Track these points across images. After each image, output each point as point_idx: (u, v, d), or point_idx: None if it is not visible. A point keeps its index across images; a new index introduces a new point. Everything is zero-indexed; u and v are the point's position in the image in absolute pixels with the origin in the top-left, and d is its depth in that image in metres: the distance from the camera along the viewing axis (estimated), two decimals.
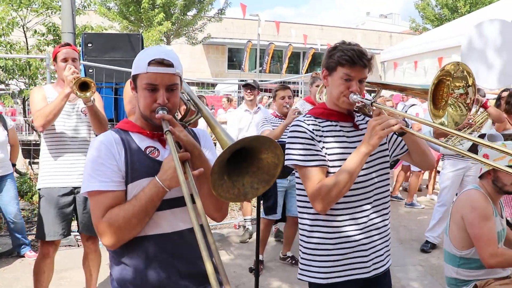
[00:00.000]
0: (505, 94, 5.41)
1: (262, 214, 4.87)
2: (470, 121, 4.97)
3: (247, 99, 5.93)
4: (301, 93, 10.05)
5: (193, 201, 1.54)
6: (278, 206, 4.80)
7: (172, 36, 20.41)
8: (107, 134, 1.82)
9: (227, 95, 14.50)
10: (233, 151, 1.52)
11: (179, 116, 2.01)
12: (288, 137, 2.17)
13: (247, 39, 25.38)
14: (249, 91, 5.86)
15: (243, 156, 1.61)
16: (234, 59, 29.29)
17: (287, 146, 2.15)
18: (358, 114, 2.28)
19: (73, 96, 3.44)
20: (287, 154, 2.13)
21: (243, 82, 6.16)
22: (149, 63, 1.74)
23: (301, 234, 2.26)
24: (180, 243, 1.77)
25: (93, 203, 1.74)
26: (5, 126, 5.05)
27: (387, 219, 2.26)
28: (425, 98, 1.93)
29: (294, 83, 11.47)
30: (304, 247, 2.22)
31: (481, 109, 5.04)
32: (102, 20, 15.62)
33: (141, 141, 1.82)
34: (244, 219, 6.06)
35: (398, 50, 12.72)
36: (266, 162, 1.62)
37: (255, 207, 7.00)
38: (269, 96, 11.90)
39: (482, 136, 4.69)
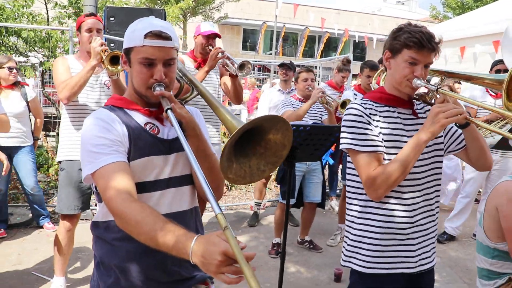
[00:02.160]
0: None
1: (279, 198, 4.85)
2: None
3: (282, 79, 5.89)
4: (318, 78, 9.95)
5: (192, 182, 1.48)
6: (295, 191, 4.75)
7: (189, 14, 20.26)
8: (103, 111, 1.70)
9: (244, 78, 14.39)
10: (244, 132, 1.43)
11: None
12: (344, 120, 2.08)
13: (263, 20, 25.14)
14: (284, 71, 5.81)
15: (250, 137, 1.52)
16: (249, 40, 29.06)
17: (342, 129, 2.07)
18: (418, 102, 2.18)
19: (97, 68, 3.39)
20: (342, 137, 2.07)
21: (258, 63, 6.09)
22: (146, 36, 1.62)
23: (349, 220, 2.19)
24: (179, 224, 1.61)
25: (101, 182, 1.55)
26: (24, 97, 4.99)
27: (436, 214, 2.19)
28: (498, 89, 1.84)
29: (310, 66, 11.35)
30: (352, 234, 2.16)
31: None
32: None
33: (139, 118, 1.72)
34: (255, 203, 6.03)
35: None
36: (274, 143, 1.54)
37: (270, 189, 7.01)
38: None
39: None
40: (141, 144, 1.65)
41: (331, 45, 27.18)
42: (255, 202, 6.02)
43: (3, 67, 4.72)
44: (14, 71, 4.78)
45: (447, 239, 5.52)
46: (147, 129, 1.70)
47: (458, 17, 14.87)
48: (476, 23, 9.86)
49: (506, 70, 5.09)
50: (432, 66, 2.07)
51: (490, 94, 5.04)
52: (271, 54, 18.54)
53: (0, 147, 4.64)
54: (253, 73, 17.02)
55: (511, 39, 5.37)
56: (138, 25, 1.67)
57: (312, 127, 2.99)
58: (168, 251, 1.38)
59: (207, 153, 1.72)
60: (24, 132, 4.95)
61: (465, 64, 8.79)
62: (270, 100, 5.88)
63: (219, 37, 4.14)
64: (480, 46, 8.63)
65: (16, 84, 4.91)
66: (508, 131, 4.03)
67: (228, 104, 11.50)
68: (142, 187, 1.65)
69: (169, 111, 1.59)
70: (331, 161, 5.89)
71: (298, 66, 7.14)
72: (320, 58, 21.59)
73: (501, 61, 5.26)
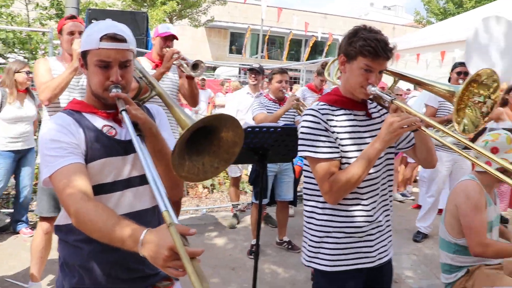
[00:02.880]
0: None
1: (253, 199, 4.91)
2: None
3: (251, 83, 5.93)
4: (302, 81, 10.04)
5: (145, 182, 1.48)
6: (267, 191, 4.82)
7: (175, 17, 20.25)
8: (60, 115, 1.72)
9: (227, 79, 14.46)
10: (194, 131, 1.46)
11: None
12: (301, 126, 2.11)
13: (249, 24, 25.24)
14: (253, 75, 5.87)
15: (203, 135, 1.54)
16: (235, 43, 29.14)
17: (299, 136, 2.10)
18: (371, 102, 2.22)
19: (79, 70, 3.41)
20: (300, 145, 2.10)
21: (244, 66, 6.14)
22: (101, 38, 1.64)
23: (307, 222, 2.24)
24: (138, 223, 1.60)
25: (58, 183, 1.57)
26: (35, 101, 5.02)
27: (390, 208, 2.27)
28: (449, 100, 1.91)
29: (295, 70, 11.45)
30: (312, 235, 2.21)
31: None
32: None
33: (96, 121, 1.74)
34: (233, 205, 6.08)
35: (401, 42, 12.68)
36: (226, 141, 1.56)
37: (245, 192, 7.06)
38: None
39: (483, 130, 4.71)
40: (98, 146, 1.68)
41: (317, 49, 27.37)
42: (232, 204, 6.07)
43: (20, 72, 4.74)
44: (30, 75, 4.80)
45: (422, 237, 5.63)
46: (104, 131, 1.72)
47: (440, 23, 15.12)
48: (457, 28, 10.04)
49: (466, 73, 5.24)
50: (412, 70, 2.14)
51: None
52: (257, 57, 18.63)
53: (14, 151, 4.78)
54: (239, 76, 17.12)
55: (479, 42, 5.51)
56: (94, 28, 1.71)
57: (283, 129, 3.03)
58: (121, 246, 1.42)
59: (164, 152, 1.73)
60: (30, 134, 5.04)
61: (445, 68, 8.93)
62: (239, 102, 5.96)
63: (177, 38, 4.12)
64: (459, 51, 8.78)
65: (27, 88, 4.95)
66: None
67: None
68: (101, 189, 1.69)
69: (123, 112, 1.62)
70: None
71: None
72: (306, 61, 21.70)
73: (462, 64, 5.41)
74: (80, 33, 3.49)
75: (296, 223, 5.93)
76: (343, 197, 2.06)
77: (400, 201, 7.57)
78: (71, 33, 3.46)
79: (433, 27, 13.87)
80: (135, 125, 1.64)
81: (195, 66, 3.78)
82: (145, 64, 4.10)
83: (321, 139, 2.04)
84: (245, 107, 5.81)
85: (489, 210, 2.92)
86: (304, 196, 2.26)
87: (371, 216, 2.13)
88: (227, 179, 7.44)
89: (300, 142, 2.09)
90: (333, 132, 2.06)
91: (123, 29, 1.71)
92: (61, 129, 1.65)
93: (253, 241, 4.94)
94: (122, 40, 1.67)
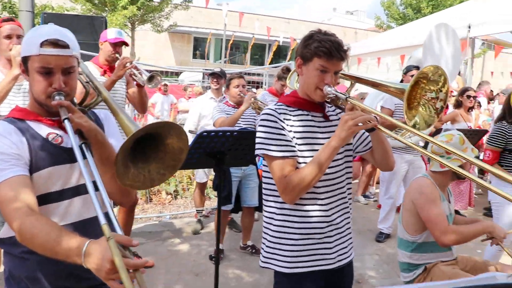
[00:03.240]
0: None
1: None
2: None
3: (213, 88, 5.90)
4: (265, 85, 10.08)
5: (97, 188, 1.46)
6: (232, 197, 4.79)
7: (137, 22, 20.03)
8: (1, 124, 1.65)
9: (191, 85, 14.39)
10: (138, 138, 1.44)
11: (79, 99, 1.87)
12: (259, 125, 2.12)
13: (213, 28, 25.21)
14: (215, 80, 5.84)
15: (148, 142, 1.53)
16: (199, 48, 29.04)
17: (257, 134, 2.11)
18: (330, 106, 2.25)
19: (21, 76, 3.29)
20: (257, 143, 2.10)
21: (208, 71, 6.12)
22: (42, 44, 1.58)
23: (266, 222, 2.24)
24: (84, 233, 1.53)
25: (0, 198, 1.51)
26: None
27: (350, 211, 2.29)
28: (400, 98, 1.94)
29: (258, 74, 11.48)
30: (270, 236, 2.20)
31: None
32: (64, 1, 15.13)
33: (40, 129, 1.68)
34: (196, 210, 6.02)
35: (362, 46, 12.92)
36: (171, 147, 1.55)
37: (209, 197, 7.03)
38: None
39: (439, 131, 4.84)
40: (43, 155, 1.63)
41: (281, 53, 27.56)
42: (196, 210, 6.02)
43: None
44: None
45: (385, 238, 5.73)
46: (50, 139, 1.68)
47: (400, 27, 15.47)
48: (415, 33, 10.28)
49: None
50: (373, 74, 2.17)
51: None
52: (221, 62, 18.62)
53: None
54: (203, 81, 17.06)
55: (433, 44, 5.68)
56: (35, 33, 1.66)
57: (239, 132, 3.03)
58: (66, 260, 1.39)
59: (112, 159, 1.66)
60: None
61: None
62: (202, 108, 5.91)
63: (127, 45, 4.08)
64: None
65: None
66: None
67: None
68: (49, 198, 1.64)
69: (66, 121, 1.56)
70: None
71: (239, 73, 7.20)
72: (269, 65, 21.82)
73: (416, 67, 5.56)
74: (19, 36, 3.34)
75: (261, 226, 5.90)
76: (299, 196, 2.05)
77: (364, 204, 7.68)
78: (8, 37, 3.29)
79: (393, 32, 14.19)
80: (80, 133, 1.60)
81: (151, 78, 3.76)
82: (92, 69, 3.98)
83: (277, 138, 2.05)
84: (209, 112, 5.76)
85: (443, 205, 3.00)
86: (264, 197, 2.26)
87: (329, 216, 2.14)
88: (190, 185, 7.38)
89: (257, 140, 2.10)
90: (289, 131, 2.08)
91: (66, 34, 1.66)
92: (1, 139, 1.59)
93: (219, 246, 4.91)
94: (64, 46, 1.62)
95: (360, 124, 1.90)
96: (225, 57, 22.77)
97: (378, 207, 7.26)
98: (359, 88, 8.11)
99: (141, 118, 11.11)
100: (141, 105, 4.16)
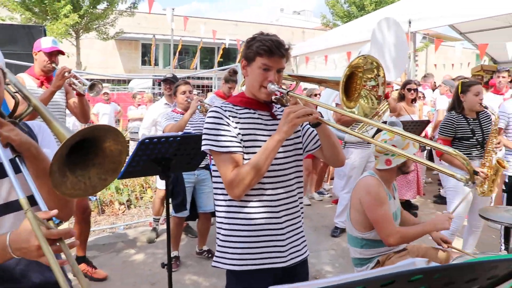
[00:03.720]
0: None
1: (172, 212, 4.82)
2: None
3: (167, 94, 5.86)
4: (215, 88, 10.05)
5: (35, 203, 1.41)
6: (187, 203, 4.76)
7: (81, 31, 19.53)
8: None
9: (141, 92, 14.18)
10: (72, 145, 1.39)
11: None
12: (206, 122, 2.15)
13: (161, 34, 24.94)
14: (168, 85, 5.81)
15: (85, 148, 1.48)
16: (148, 55, 28.64)
17: (203, 131, 2.14)
18: (278, 106, 2.30)
19: None
20: (203, 139, 2.12)
21: (158, 77, 6.04)
22: None
23: (218, 222, 2.25)
24: None
25: None
26: None
27: (301, 209, 2.30)
28: (337, 89, 1.97)
29: (208, 78, 11.43)
30: (221, 234, 2.22)
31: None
32: (1, 10, 14.54)
33: None
34: (154, 219, 5.93)
35: (309, 45, 13.13)
36: (109, 150, 1.51)
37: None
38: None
39: (384, 123, 4.96)
40: None
41: (230, 56, 27.59)
42: (153, 218, 5.93)
43: None
44: None
45: (340, 232, 5.81)
46: None
47: (345, 25, 15.80)
48: (360, 29, 10.54)
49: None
50: (321, 71, 2.21)
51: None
52: (170, 67, 18.44)
53: None
54: (153, 88, 16.84)
55: (377, 40, 5.82)
56: None
57: (182, 137, 2.99)
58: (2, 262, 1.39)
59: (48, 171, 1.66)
60: None
61: None
62: (157, 115, 5.84)
63: (63, 53, 4.01)
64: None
65: None
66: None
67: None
68: None
69: None
70: None
71: (185, 78, 7.15)
72: (217, 68, 21.78)
73: None
74: None
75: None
76: (246, 190, 2.05)
77: (318, 200, 7.79)
78: None
79: (339, 30, 14.48)
80: (12, 146, 1.52)
81: (92, 86, 3.69)
82: (28, 81, 3.89)
83: (223, 133, 2.08)
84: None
85: (389, 204, 3.05)
86: (214, 196, 2.27)
87: (277, 213, 2.16)
88: (144, 193, 7.26)
89: (203, 137, 2.13)
90: (235, 128, 2.10)
91: None
92: None
93: (173, 254, 4.85)
94: None
95: (302, 117, 1.93)
96: (174, 62, 22.59)
97: (333, 202, 7.38)
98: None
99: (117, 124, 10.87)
100: (83, 115, 4.08)
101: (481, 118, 4.43)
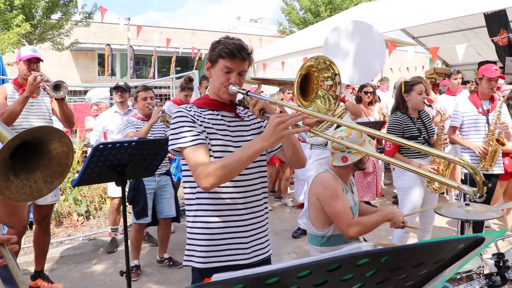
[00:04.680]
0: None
1: (133, 219, 4.77)
2: (331, 113, 5.36)
3: (118, 101, 5.81)
4: (172, 97, 9.99)
5: None
6: (148, 209, 4.72)
7: (35, 41, 19.00)
8: None
9: (98, 102, 13.94)
10: (16, 147, 1.36)
11: None
12: (171, 123, 2.17)
13: (117, 44, 24.58)
14: (119, 93, 5.74)
15: (30, 151, 1.46)
16: (104, 65, 28.13)
17: (170, 132, 2.16)
18: (242, 108, 2.35)
19: None
20: (170, 140, 2.14)
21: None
22: None
23: (188, 221, 2.29)
24: None
25: None
26: None
27: (265, 209, 2.35)
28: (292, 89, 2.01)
29: (166, 87, 11.33)
30: (189, 232, 2.26)
31: (341, 103, 5.43)
32: None
33: None
34: (111, 229, 5.84)
35: (266, 52, 13.25)
36: (55, 153, 1.49)
37: (130, 213, 6.84)
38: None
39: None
40: None
41: (188, 64, 27.46)
42: (111, 228, 5.83)
43: None
44: None
45: (301, 233, 5.88)
46: None
47: (301, 31, 16.06)
48: (316, 36, 10.71)
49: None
50: (274, 75, 2.25)
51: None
52: (127, 77, 18.18)
53: None
54: (111, 98, 16.54)
55: (330, 45, 5.94)
56: None
57: (138, 142, 2.97)
58: None
59: None
60: None
61: None
62: (108, 123, 5.80)
63: (41, 60, 4.04)
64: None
65: None
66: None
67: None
68: None
69: None
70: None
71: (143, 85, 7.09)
72: (173, 76, 21.61)
73: None
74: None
75: (177, 238, 5.87)
76: (216, 183, 2.00)
77: (291, 206, 7.81)
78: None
79: (295, 36, 14.70)
80: None
81: (57, 87, 3.69)
82: (11, 90, 3.99)
83: (189, 129, 2.11)
84: (115, 126, 5.64)
85: (346, 197, 3.12)
86: (185, 195, 2.30)
87: (240, 210, 2.20)
88: (103, 204, 7.13)
89: (170, 137, 2.15)
90: (200, 125, 2.14)
91: None
92: None
93: (133, 262, 4.79)
94: None
95: (291, 128, 1.88)
96: (131, 71, 22.31)
97: (297, 207, 7.44)
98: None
99: (74, 135, 10.56)
100: (65, 119, 4.09)
101: (423, 117, 4.59)
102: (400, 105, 4.59)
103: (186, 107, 2.22)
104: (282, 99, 5.72)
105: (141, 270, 4.89)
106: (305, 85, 2.06)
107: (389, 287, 0.93)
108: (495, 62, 7.93)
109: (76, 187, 6.81)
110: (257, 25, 49.35)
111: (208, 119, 2.19)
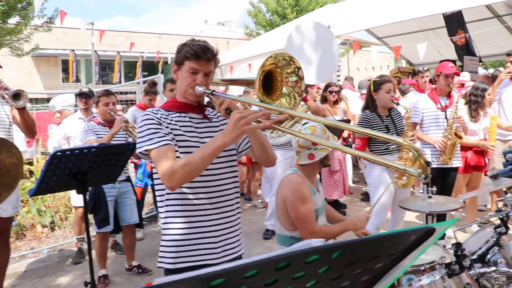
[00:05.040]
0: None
1: (95, 228, 4.65)
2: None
3: (82, 108, 5.67)
4: (138, 102, 9.87)
5: None
6: (109, 217, 4.61)
7: None
8: None
9: (61, 110, 13.67)
10: None
11: None
12: (139, 127, 2.16)
13: (81, 49, 24.16)
14: (83, 100, 5.60)
15: None
16: (68, 71, 27.58)
17: (137, 136, 2.14)
18: (210, 110, 2.34)
19: None
20: (137, 143, 2.12)
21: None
22: None
23: (162, 223, 2.29)
24: None
25: None
26: None
27: (236, 209, 2.35)
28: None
29: (132, 92, 11.17)
30: (162, 234, 2.26)
31: (302, 102, 5.47)
32: None
33: None
34: (77, 239, 5.69)
35: (233, 54, 13.27)
36: (3, 164, 1.46)
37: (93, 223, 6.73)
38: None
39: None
40: None
41: (155, 69, 27.19)
42: (76, 238, 5.68)
43: None
44: None
45: (271, 234, 5.88)
46: None
47: (268, 33, 16.12)
48: (282, 37, 10.76)
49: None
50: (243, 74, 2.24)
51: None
52: (92, 83, 17.87)
53: None
54: (75, 105, 16.21)
55: (293, 43, 5.98)
56: None
57: (98, 148, 2.87)
58: None
59: None
60: None
61: None
62: (70, 129, 5.67)
63: (0, 67, 3.95)
64: None
65: None
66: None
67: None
68: None
69: None
70: (150, 182, 5.86)
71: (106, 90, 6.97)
72: (137, 81, 21.39)
73: None
74: None
75: (146, 245, 5.78)
76: (180, 181, 2.00)
77: (260, 208, 7.79)
78: None
79: (262, 38, 14.75)
80: None
81: (17, 96, 3.55)
82: None
83: (155, 131, 2.10)
84: (78, 133, 5.50)
85: (314, 199, 3.09)
86: (157, 198, 2.29)
87: (209, 210, 2.20)
88: (68, 213, 6.95)
89: (138, 140, 2.14)
90: (167, 127, 2.13)
91: None
92: None
93: (100, 272, 4.69)
94: None
95: (252, 123, 1.87)
96: (96, 77, 21.97)
97: (266, 207, 7.43)
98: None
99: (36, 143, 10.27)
100: (26, 128, 3.96)
101: (393, 115, 4.68)
102: (370, 103, 4.68)
103: (152, 110, 2.20)
104: None
105: (110, 279, 4.78)
106: (269, 84, 2.06)
107: (344, 282, 0.91)
108: (454, 61, 8.16)
109: (40, 198, 6.61)
110: (225, 28, 49.37)
111: (175, 121, 2.18)
